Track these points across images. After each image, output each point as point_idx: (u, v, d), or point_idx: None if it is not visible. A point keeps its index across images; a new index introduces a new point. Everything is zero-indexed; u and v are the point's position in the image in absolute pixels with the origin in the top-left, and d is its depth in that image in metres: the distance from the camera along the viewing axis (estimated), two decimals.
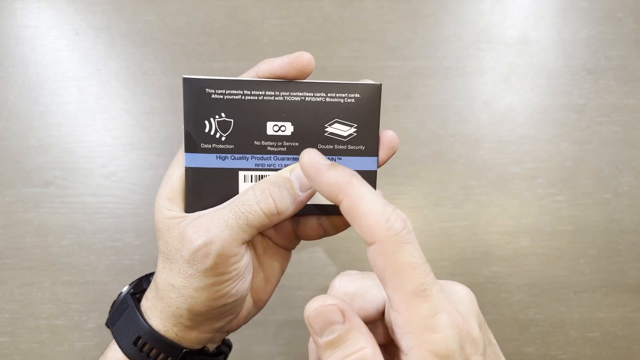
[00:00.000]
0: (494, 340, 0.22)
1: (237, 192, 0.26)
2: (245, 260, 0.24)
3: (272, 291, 0.30)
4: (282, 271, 0.30)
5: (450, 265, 0.46)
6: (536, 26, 0.47)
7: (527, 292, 0.46)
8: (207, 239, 0.22)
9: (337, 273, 0.46)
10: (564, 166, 0.47)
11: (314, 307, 0.19)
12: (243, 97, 0.25)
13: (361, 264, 0.47)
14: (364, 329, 0.20)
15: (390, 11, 0.47)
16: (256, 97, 0.25)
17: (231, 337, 0.46)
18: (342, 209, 0.20)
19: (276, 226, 0.28)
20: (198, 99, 0.25)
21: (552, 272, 0.46)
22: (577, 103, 0.47)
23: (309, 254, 0.47)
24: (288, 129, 0.26)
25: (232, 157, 0.26)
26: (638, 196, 0.47)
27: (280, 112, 0.26)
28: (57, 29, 0.46)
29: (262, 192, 0.24)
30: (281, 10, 0.47)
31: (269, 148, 0.26)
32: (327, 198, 0.21)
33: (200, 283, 0.23)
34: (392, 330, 0.20)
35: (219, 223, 0.23)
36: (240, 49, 0.47)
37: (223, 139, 0.26)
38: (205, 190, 0.26)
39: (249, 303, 0.28)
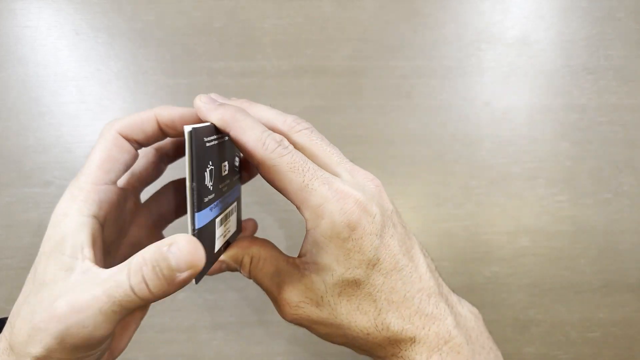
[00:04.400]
0: (403, 224, 0.28)
1: (214, 243, 0.25)
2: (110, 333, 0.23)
3: (130, 337, 0.28)
4: (142, 317, 0.29)
5: (450, 265, 0.46)
6: (536, 26, 0.47)
7: (527, 292, 0.46)
8: (78, 320, 0.21)
9: None
10: (565, 166, 0.47)
11: None
12: (217, 142, 0.25)
13: None
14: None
15: (390, 11, 0.47)
16: (223, 139, 0.25)
17: (232, 337, 0.46)
18: (232, 141, 0.24)
19: None
20: (200, 149, 0.22)
21: (552, 272, 0.46)
22: (577, 103, 0.47)
23: None
24: (227, 167, 0.27)
25: (214, 206, 0.24)
26: (638, 196, 0.47)
27: (225, 151, 0.27)
28: (57, 29, 0.46)
29: (136, 274, 0.21)
30: (281, 10, 0.47)
31: (223, 189, 0.26)
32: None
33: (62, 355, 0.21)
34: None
35: (94, 306, 0.21)
36: (240, 49, 0.47)
37: (210, 188, 0.24)
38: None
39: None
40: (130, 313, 0.22)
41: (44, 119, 0.46)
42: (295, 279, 0.27)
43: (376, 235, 0.25)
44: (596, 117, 0.47)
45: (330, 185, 0.24)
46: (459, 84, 0.47)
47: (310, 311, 0.27)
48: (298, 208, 0.25)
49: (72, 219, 0.23)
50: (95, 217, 0.24)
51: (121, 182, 0.28)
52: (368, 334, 0.26)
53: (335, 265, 0.25)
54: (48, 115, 0.46)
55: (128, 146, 0.26)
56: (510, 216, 0.46)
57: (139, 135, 0.26)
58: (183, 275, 0.21)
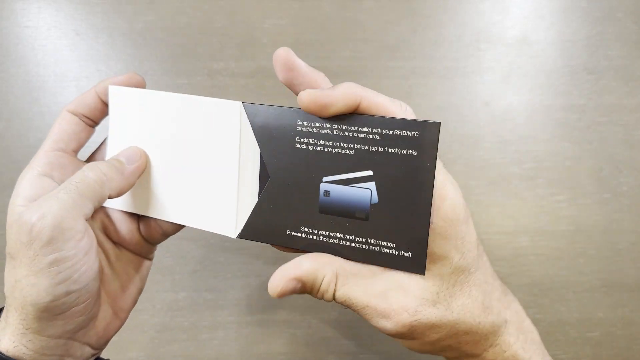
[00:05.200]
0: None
1: None
2: (85, 241, 0.24)
3: (133, 301, 0.31)
4: (142, 279, 0.32)
5: None
6: (536, 26, 0.47)
7: (527, 292, 0.46)
8: (40, 213, 0.23)
9: None
10: (564, 166, 0.47)
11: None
12: None
13: None
14: None
15: (390, 11, 0.47)
16: None
17: (232, 336, 0.46)
18: (363, 106, 0.24)
19: (123, 228, 0.30)
20: None
21: (551, 272, 0.46)
22: (577, 103, 0.47)
23: None
24: None
25: None
26: (638, 196, 0.47)
27: None
28: (57, 29, 0.46)
29: (90, 167, 0.26)
30: (281, 10, 0.47)
31: None
32: (346, 109, 0.24)
33: (40, 264, 0.23)
34: None
35: (51, 199, 0.24)
36: (240, 49, 0.47)
37: None
38: None
39: (107, 312, 0.28)
40: (87, 205, 0.25)
41: (44, 119, 0.46)
42: (403, 283, 0.24)
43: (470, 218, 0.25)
44: (596, 117, 0.47)
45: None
46: (458, 84, 0.47)
47: (429, 313, 0.24)
48: None
49: (24, 178, 0.28)
50: (44, 175, 0.28)
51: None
52: (479, 322, 0.25)
53: (453, 252, 0.24)
54: (48, 115, 0.46)
55: (76, 120, 0.29)
56: (509, 216, 0.47)
57: (84, 109, 0.30)
58: (131, 167, 0.27)
